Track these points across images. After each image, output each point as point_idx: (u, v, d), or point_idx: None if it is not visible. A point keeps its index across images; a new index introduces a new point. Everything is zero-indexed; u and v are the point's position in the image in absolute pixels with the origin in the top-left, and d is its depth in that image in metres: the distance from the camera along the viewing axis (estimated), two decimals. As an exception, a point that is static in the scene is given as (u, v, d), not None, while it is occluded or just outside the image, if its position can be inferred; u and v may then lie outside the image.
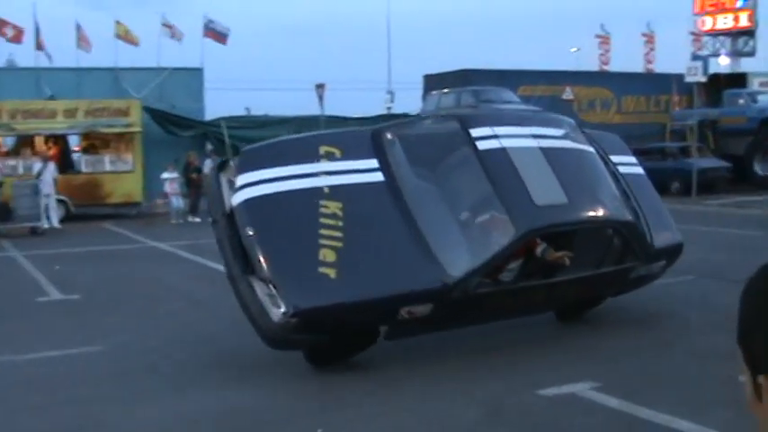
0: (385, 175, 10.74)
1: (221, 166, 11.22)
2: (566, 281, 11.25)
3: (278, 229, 10.07)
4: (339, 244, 9.80)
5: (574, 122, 13.01)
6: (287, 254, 9.85)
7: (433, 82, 35.07)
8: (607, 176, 12.06)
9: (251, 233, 9.89)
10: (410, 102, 37.05)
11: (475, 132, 11.37)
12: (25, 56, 35.91)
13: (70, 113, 30.88)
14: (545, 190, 10.91)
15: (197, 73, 36.77)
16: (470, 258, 10.12)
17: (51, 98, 31.92)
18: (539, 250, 10.69)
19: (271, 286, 9.50)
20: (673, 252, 12.56)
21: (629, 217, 11.60)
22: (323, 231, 9.87)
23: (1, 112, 30.15)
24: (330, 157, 10.75)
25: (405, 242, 10.15)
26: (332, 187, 10.33)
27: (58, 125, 31.01)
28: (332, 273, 9.58)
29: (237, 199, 10.21)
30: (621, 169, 12.80)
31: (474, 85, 30.90)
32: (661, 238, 12.13)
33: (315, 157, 10.68)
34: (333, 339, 9.82)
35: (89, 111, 30.92)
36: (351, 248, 9.83)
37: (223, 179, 10.82)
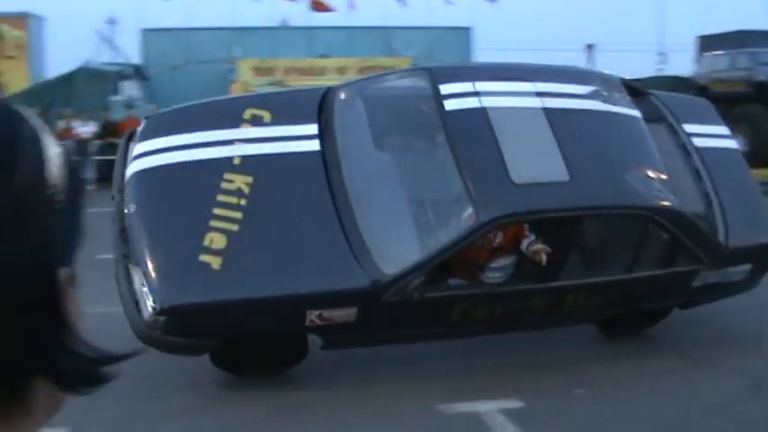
0: (323, 144, 8.61)
1: (131, 135, 9.26)
2: (575, 286, 8.59)
3: (164, 205, 8.18)
4: (234, 227, 7.86)
5: (617, 79, 10.20)
6: (165, 237, 7.95)
7: (707, 43, 32.17)
8: (651, 149, 9.19)
9: (131, 210, 8.09)
10: (683, 64, 34.79)
11: (446, 89, 8.86)
12: (299, 15, 36.38)
13: (341, 71, 30.62)
14: (536, 164, 8.50)
15: (466, 33, 36.32)
16: (415, 253, 7.89)
17: (324, 56, 32.47)
18: (524, 244, 8.10)
19: (143, 275, 7.68)
20: (762, 254, 9.55)
21: (671, 203, 8.68)
22: (217, 211, 7.93)
23: (275, 70, 30.93)
24: (256, 121, 8.71)
25: (326, 229, 8.02)
26: (245, 157, 8.36)
27: (330, 83, 30.70)
28: (216, 262, 7.64)
29: (130, 170, 8.43)
30: (699, 142, 9.95)
31: (750, 47, 27.82)
32: (743, 235, 9.26)
33: (236, 122, 8.68)
34: (236, 346, 7.94)
35: (360, 69, 30.38)
36: (248, 234, 7.88)
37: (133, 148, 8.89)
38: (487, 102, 8.77)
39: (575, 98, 9.22)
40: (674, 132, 9.98)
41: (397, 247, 7.99)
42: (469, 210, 7.91)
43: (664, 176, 8.92)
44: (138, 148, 8.50)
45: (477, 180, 8.09)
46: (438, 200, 8.47)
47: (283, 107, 8.95)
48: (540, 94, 9.09)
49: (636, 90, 10.37)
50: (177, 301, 7.44)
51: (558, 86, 9.31)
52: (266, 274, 7.66)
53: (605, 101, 9.36)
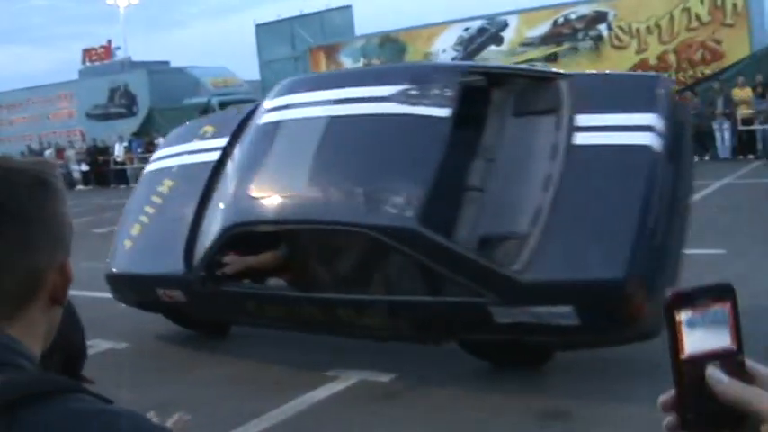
0: (221, 155, 10.64)
1: None
2: (335, 300, 8.87)
3: (137, 200, 11.40)
4: (147, 220, 10.79)
5: (455, 73, 9.53)
6: (125, 223, 11.24)
7: None
8: (434, 154, 8.40)
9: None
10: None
11: (267, 104, 10.25)
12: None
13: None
14: (284, 176, 9.15)
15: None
16: (200, 252, 9.74)
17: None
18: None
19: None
20: (583, 294, 7.58)
21: (406, 223, 7.99)
22: (146, 207, 10.95)
23: None
24: (203, 135, 11.25)
25: (182, 225, 10.13)
26: (180, 166, 11.10)
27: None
28: (129, 245, 10.82)
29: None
30: (585, 138, 8.41)
31: None
32: (555, 268, 7.69)
33: (192, 137, 11.41)
34: (148, 308, 10.86)
35: None
36: (150, 226, 10.71)
37: None
38: (288, 114, 9.68)
39: (371, 102, 9.14)
40: (557, 127, 8.64)
41: (196, 246, 9.86)
42: (221, 217, 9.45)
43: (418, 189, 8.22)
44: (155, 155, 12.07)
45: (237, 190, 9.37)
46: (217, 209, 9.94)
47: (222, 124, 11.34)
48: (339, 102, 9.34)
49: (538, 76, 9.59)
50: (108, 270, 10.93)
51: (364, 91, 9.33)
52: (143, 256, 10.52)
53: (409, 102, 8.89)
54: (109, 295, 11.48)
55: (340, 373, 8.85)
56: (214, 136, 11.16)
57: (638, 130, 8.43)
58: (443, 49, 32.41)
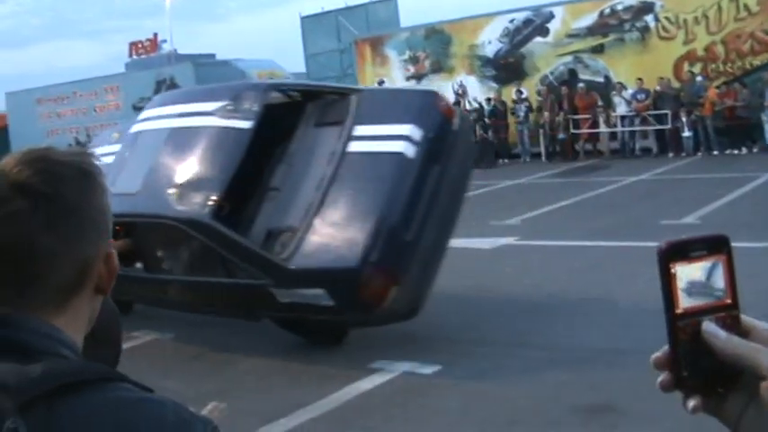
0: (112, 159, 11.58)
1: None
2: (161, 280, 10.81)
3: None
4: None
5: (255, 92, 11.22)
6: None
7: None
8: (230, 159, 10.23)
9: None
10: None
11: (143, 114, 12.27)
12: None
13: None
14: (129, 177, 10.61)
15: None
16: None
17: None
18: None
19: None
20: (328, 280, 9.13)
21: (199, 216, 9.83)
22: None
23: None
24: (110, 140, 12.83)
25: None
26: None
27: None
28: None
29: None
30: (357, 146, 10.06)
31: None
32: (312, 257, 9.30)
33: (106, 141, 13.07)
34: None
35: None
36: None
37: None
38: (148, 125, 11.68)
39: (199, 116, 10.87)
40: (339, 136, 10.18)
41: None
42: None
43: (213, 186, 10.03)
44: None
45: None
46: None
47: (124, 130, 12.85)
48: (178, 116, 11.20)
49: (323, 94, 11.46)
50: None
51: (197, 106, 11.09)
52: None
53: (223, 116, 10.61)
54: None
55: (384, 366, 8.87)
56: (116, 141, 12.34)
57: (395, 139, 9.88)
58: (489, 40, 32.24)
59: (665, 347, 1.15)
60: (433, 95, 11.04)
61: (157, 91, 44.06)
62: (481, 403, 7.86)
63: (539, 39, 30.98)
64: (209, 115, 10.76)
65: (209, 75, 42.37)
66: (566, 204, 18.72)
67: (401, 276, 9.06)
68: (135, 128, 12.01)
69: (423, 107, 10.37)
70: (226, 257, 9.83)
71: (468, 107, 30.98)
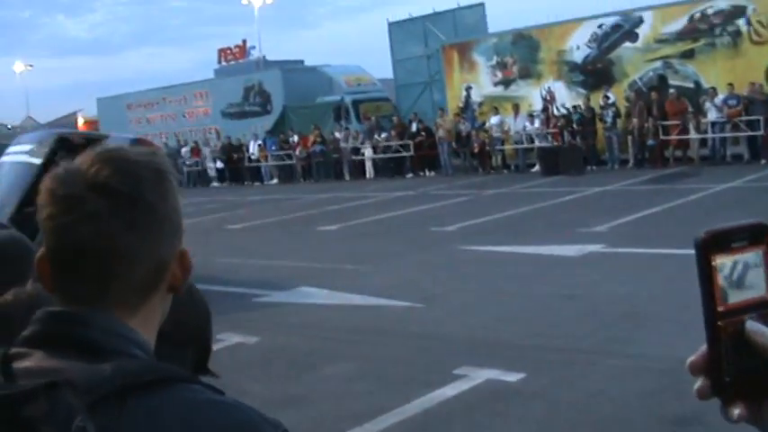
0: None
1: None
2: None
3: None
4: None
5: (49, 139, 14.91)
6: None
7: None
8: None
9: None
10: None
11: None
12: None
13: None
14: None
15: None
16: None
17: None
18: None
19: None
20: None
21: None
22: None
23: None
24: None
25: None
26: None
27: None
28: None
29: None
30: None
31: None
32: None
33: None
34: None
35: None
36: None
37: None
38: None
39: (21, 155, 14.69)
40: None
41: None
42: None
43: None
44: None
45: None
46: None
47: None
48: (15, 153, 15.01)
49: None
50: None
51: (23, 147, 14.92)
52: None
53: (29, 154, 14.51)
54: (240, 289, 11.64)
55: (468, 372, 8.77)
56: None
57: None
58: (577, 45, 32.00)
59: (702, 349, 1.07)
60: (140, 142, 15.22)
61: (246, 97, 44.55)
62: (566, 412, 7.75)
63: (627, 44, 30.67)
64: (25, 154, 14.82)
65: (298, 81, 42.71)
66: (655, 212, 18.48)
67: None
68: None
69: None
70: None
71: (555, 113, 30.79)
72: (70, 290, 1.52)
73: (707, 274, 1.03)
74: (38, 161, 14.46)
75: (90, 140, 14.54)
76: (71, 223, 1.49)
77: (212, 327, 2.53)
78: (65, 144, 14.84)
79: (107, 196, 1.49)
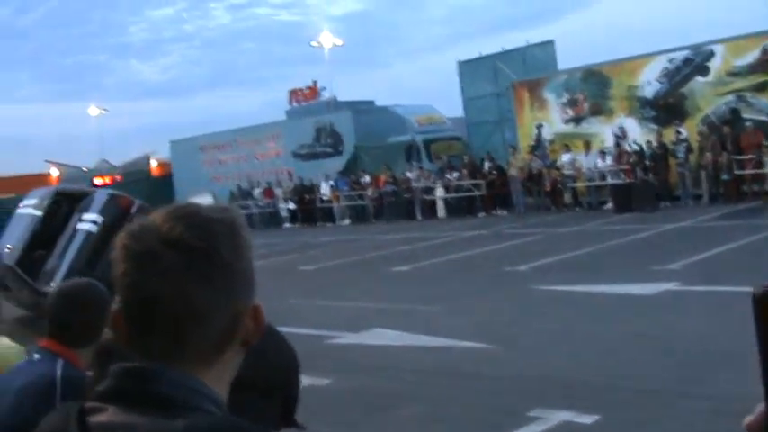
0: None
1: None
2: None
3: None
4: None
5: (52, 194, 19.59)
6: None
7: None
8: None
9: None
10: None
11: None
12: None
13: None
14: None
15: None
16: None
17: None
18: None
19: None
20: None
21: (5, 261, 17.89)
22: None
23: None
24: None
25: None
26: None
27: None
28: None
29: None
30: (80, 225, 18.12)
31: None
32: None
33: None
34: None
35: None
36: None
37: None
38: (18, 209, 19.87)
39: (30, 208, 19.16)
40: (78, 219, 18.29)
41: None
42: None
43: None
44: None
45: None
46: None
47: None
48: (24, 206, 19.52)
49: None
50: None
51: (33, 201, 19.36)
52: None
53: (33, 207, 19.05)
54: (312, 330, 11.66)
55: (542, 414, 8.69)
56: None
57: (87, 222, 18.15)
58: (648, 81, 31.78)
59: (760, 408, 1.02)
60: (115, 196, 19.10)
61: (317, 138, 44.78)
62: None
63: (699, 78, 30.38)
64: (32, 207, 18.93)
65: (369, 121, 42.88)
66: (730, 248, 18.21)
67: None
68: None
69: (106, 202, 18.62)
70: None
71: (627, 149, 30.56)
72: (145, 344, 1.54)
73: (764, 330, 1.01)
74: (39, 213, 18.58)
75: (82, 194, 19.35)
76: (145, 279, 1.51)
77: (300, 376, 2.52)
78: (62, 197, 19.13)
79: (181, 252, 1.51)
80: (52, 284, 15.13)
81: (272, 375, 2.31)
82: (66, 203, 18.53)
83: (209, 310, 1.52)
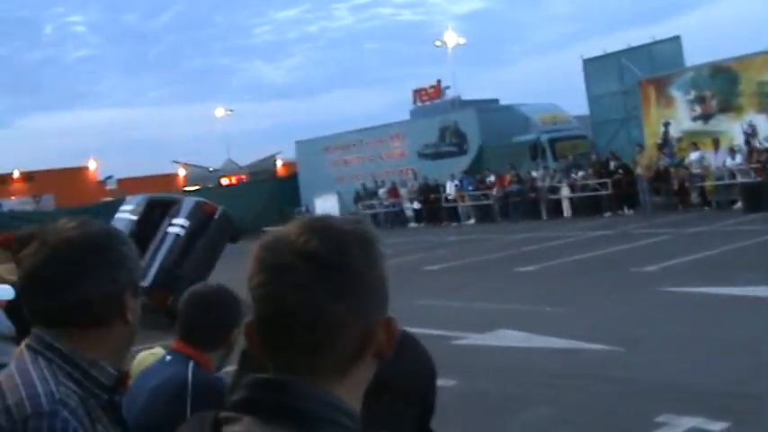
0: None
1: None
2: None
3: None
4: None
5: (143, 202, 21.34)
6: None
7: None
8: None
9: None
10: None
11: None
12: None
13: None
14: None
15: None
16: None
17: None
18: None
19: None
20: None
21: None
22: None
23: None
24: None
25: None
26: None
27: None
28: None
29: None
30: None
31: None
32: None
33: None
34: None
35: None
36: None
37: None
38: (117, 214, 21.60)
39: (127, 213, 21.09)
40: (168, 224, 19.50)
41: None
42: None
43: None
44: None
45: None
46: None
47: None
48: (122, 211, 21.49)
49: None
50: None
51: (129, 207, 21.50)
52: None
53: (130, 213, 20.96)
54: (439, 331, 11.72)
55: (670, 420, 8.58)
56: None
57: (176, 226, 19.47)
58: (780, 76, 31.12)
59: None
60: (200, 203, 20.60)
61: (442, 137, 44.82)
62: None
63: (833, 71, 29.59)
64: (129, 213, 20.88)
65: (493, 120, 42.75)
66: None
67: (174, 291, 14.60)
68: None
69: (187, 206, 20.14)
70: None
71: (758, 147, 29.91)
72: (279, 357, 1.57)
73: None
74: (135, 218, 20.52)
75: (172, 201, 21.24)
76: (280, 291, 1.53)
77: (436, 385, 2.55)
78: (154, 204, 21.05)
79: (316, 265, 1.53)
80: (144, 282, 15.93)
81: (410, 383, 2.32)
82: (158, 209, 20.72)
83: (343, 324, 1.54)
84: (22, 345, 2.31)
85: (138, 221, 20.42)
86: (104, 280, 2.26)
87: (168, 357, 3.87)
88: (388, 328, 1.61)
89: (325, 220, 1.64)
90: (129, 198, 23.26)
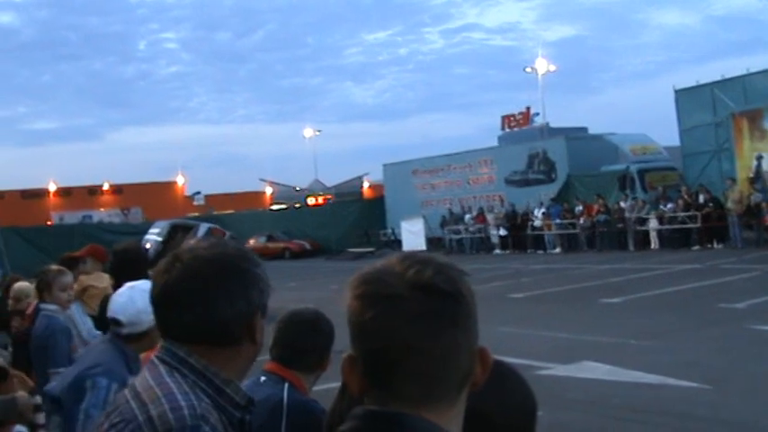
0: None
1: None
2: None
3: None
4: None
5: (166, 224, 29.24)
6: None
7: None
8: None
9: None
10: None
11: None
12: None
13: None
14: None
15: None
16: None
17: None
18: None
19: None
20: None
21: None
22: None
23: None
24: None
25: None
26: None
27: None
28: None
29: None
30: None
31: None
32: None
33: None
34: None
35: None
36: None
37: None
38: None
39: (153, 234, 28.67)
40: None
41: None
42: None
43: None
44: None
45: None
46: None
47: None
48: (149, 233, 30.07)
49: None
50: None
51: (156, 230, 29.90)
52: None
53: (155, 234, 28.90)
54: (522, 360, 11.71)
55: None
56: None
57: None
58: None
59: None
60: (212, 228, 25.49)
61: (530, 164, 44.71)
62: None
63: None
64: (155, 234, 26.17)
65: (582, 149, 42.53)
66: None
67: None
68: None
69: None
70: None
71: None
72: (387, 389, 1.58)
73: None
74: (160, 239, 24.02)
75: (191, 226, 24.27)
76: (395, 323, 1.55)
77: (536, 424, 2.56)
78: (177, 227, 24.05)
79: (433, 296, 1.55)
80: None
81: (513, 416, 2.31)
82: (180, 232, 23.98)
83: (458, 353, 1.57)
84: (153, 357, 2.38)
85: (163, 242, 24.05)
86: (239, 301, 2.32)
87: (263, 378, 3.90)
88: (483, 357, 1.64)
89: (424, 253, 1.67)
90: (155, 222, 28.67)
